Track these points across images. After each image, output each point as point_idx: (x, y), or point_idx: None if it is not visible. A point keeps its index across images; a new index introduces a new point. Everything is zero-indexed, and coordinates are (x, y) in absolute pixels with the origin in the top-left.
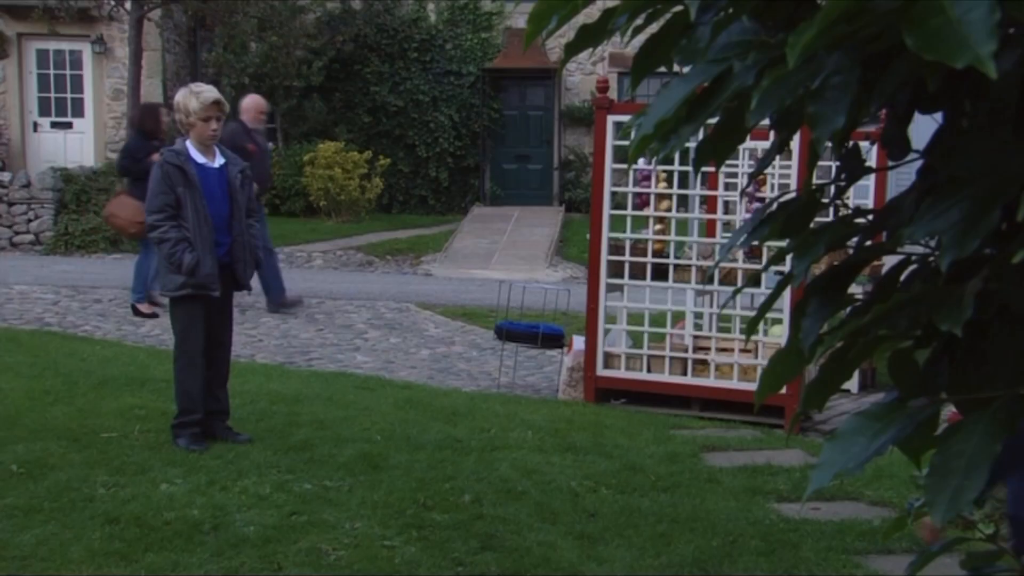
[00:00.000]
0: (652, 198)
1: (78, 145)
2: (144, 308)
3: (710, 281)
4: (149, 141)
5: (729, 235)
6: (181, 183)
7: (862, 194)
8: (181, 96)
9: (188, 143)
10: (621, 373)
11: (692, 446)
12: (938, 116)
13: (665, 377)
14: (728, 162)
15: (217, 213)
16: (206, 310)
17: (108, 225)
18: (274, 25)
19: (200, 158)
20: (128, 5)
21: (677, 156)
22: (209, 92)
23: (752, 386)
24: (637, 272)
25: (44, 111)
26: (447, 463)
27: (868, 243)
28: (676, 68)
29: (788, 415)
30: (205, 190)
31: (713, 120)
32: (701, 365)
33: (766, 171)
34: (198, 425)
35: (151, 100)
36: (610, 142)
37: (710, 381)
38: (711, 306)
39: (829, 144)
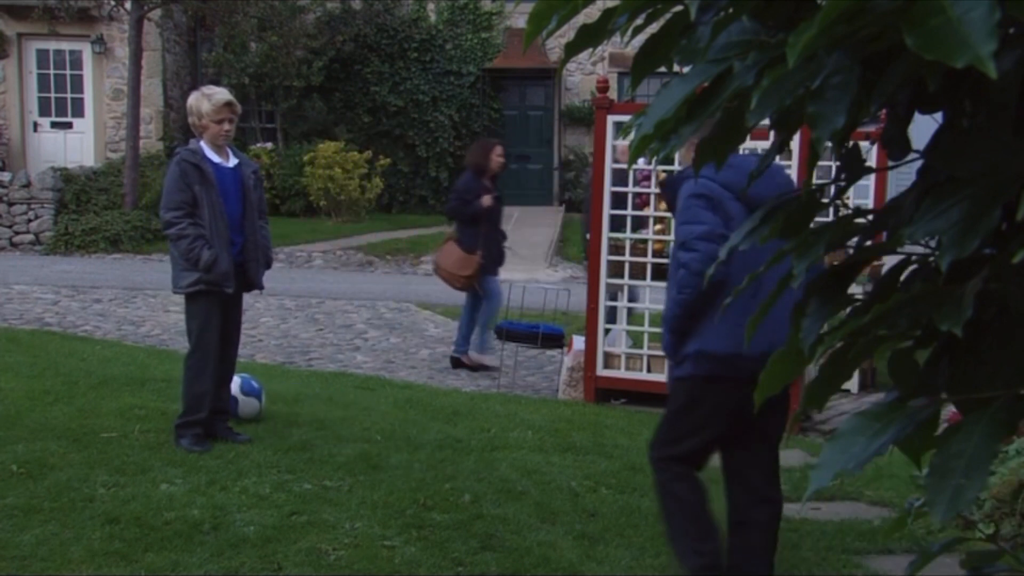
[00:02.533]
0: (652, 198)
1: (78, 145)
2: (466, 360)
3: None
4: (480, 180)
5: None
6: (198, 181)
7: (862, 194)
8: (193, 99)
9: (203, 143)
10: (621, 373)
11: None
12: (938, 116)
13: (665, 377)
14: None
15: (230, 212)
16: (223, 309)
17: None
18: (274, 25)
19: (215, 157)
20: (128, 5)
21: (677, 156)
22: (221, 94)
23: None
24: (637, 272)
25: (44, 111)
26: (447, 463)
27: (868, 243)
28: (676, 68)
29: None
30: (220, 189)
31: (713, 120)
32: None
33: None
34: (201, 426)
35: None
36: (610, 142)
37: None
38: None
39: (829, 144)
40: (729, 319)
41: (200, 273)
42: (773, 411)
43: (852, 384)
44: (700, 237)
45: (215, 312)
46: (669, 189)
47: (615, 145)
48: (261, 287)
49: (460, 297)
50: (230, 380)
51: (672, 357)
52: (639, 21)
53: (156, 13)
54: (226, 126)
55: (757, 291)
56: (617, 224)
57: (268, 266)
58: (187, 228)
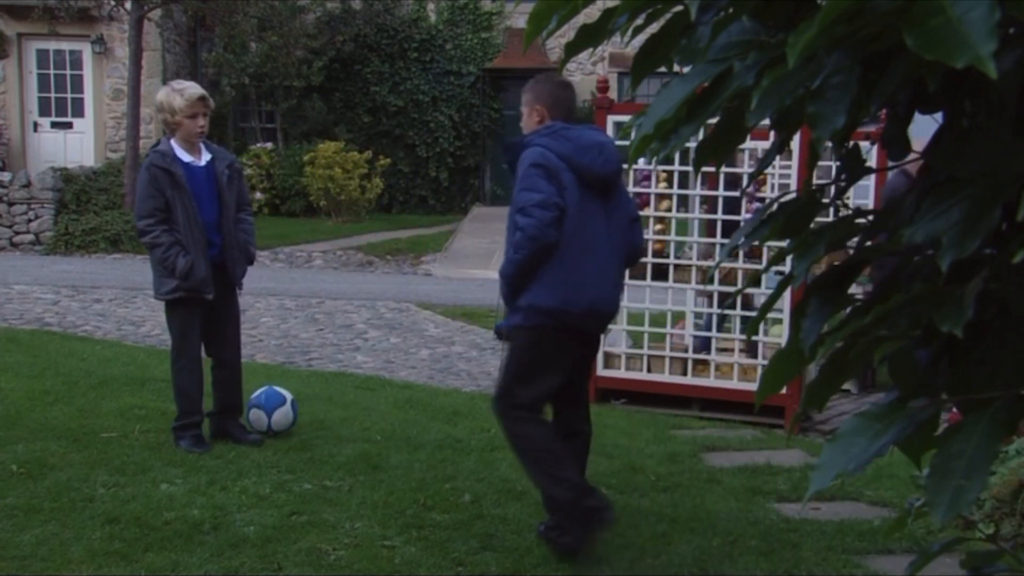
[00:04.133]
0: (652, 198)
1: (78, 145)
2: None
3: (710, 281)
4: None
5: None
6: (169, 185)
7: (862, 194)
8: (164, 95)
9: (173, 142)
10: (621, 373)
11: (692, 446)
12: (938, 116)
13: (665, 377)
14: (728, 162)
15: (206, 213)
16: (204, 312)
17: None
18: (274, 25)
19: (186, 157)
20: (128, 5)
21: (677, 156)
22: (193, 88)
23: (752, 386)
24: (637, 272)
25: (44, 111)
26: (447, 463)
27: (868, 243)
28: (676, 68)
29: (788, 415)
30: (193, 190)
31: (713, 120)
32: (701, 365)
33: (766, 171)
34: (199, 427)
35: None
36: None
37: (710, 381)
38: (711, 306)
39: (829, 144)
40: (558, 277)
41: (178, 280)
42: (589, 357)
43: (852, 384)
44: (536, 205)
45: (195, 317)
46: (510, 152)
47: None
48: (240, 286)
49: (460, 297)
50: (239, 379)
51: (508, 306)
52: (639, 21)
53: (156, 13)
54: (200, 121)
55: (583, 254)
56: None
57: (250, 262)
58: (160, 236)
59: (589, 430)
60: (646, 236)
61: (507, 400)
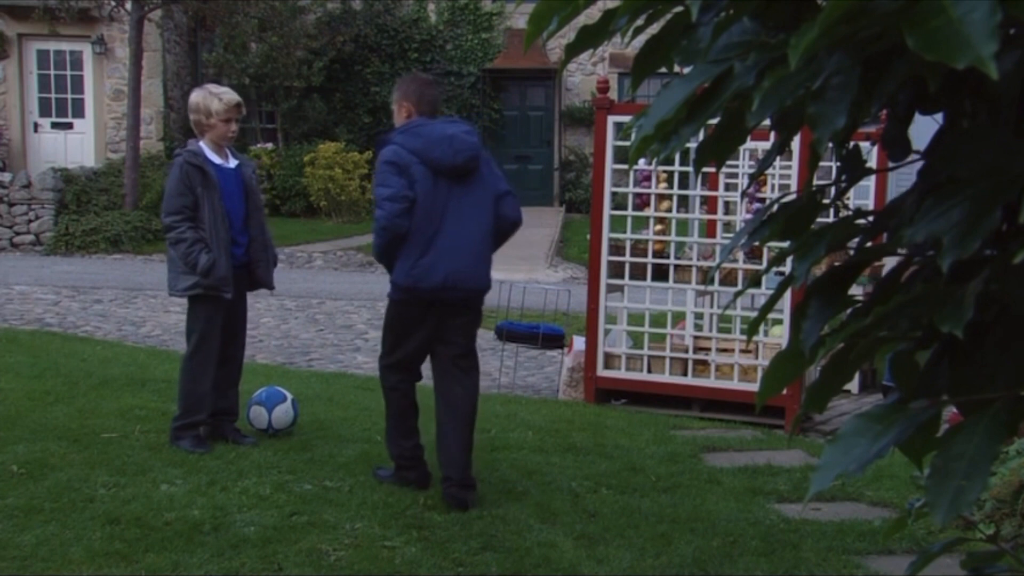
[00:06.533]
0: (652, 198)
1: (78, 145)
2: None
3: (711, 282)
4: None
5: (730, 236)
6: (200, 183)
7: (862, 195)
8: (200, 97)
9: (202, 144)
10: (621, 373)
11: (692, 446)
12: (938, 116)
13: (665, 377)
14: (728, 162)
15: (235, 213)
16: (225, 311)
17: None
18: (274, 25)
19: (215, 159)
20: (128, 5)
21: (677, 156)
22: (230, 94)
23: (752, 387)
24: (637, 272)
25: (44, 111)
26: None
27: (869, 244)
28: (677, 69)
29: (789, 416)
30: (223, 190)
31: (714, 121)
32: (701, 365)
33: (766, 172)
34: (200, 427)
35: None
36: (610, 142)
37: (710, 381)
38: (711, 306)
39: (830, 145)
40: (409, 260)
41: (198, 277)
42: (463, 324)
43: (853, 385)
44: (387, 198)
45: (218, 316)
46: (378, 148)
47: None
48: (271, 287)
49: None
50: (238, 381)
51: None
52: (640, 22)
53: (156, 13)
54: (233, 126)
55: (435, 237)
56: (617, 224)
57: (275, 264)
58: (186, 232)
59: (473, 383)
60: (645, 236)
61: (382, 362)
